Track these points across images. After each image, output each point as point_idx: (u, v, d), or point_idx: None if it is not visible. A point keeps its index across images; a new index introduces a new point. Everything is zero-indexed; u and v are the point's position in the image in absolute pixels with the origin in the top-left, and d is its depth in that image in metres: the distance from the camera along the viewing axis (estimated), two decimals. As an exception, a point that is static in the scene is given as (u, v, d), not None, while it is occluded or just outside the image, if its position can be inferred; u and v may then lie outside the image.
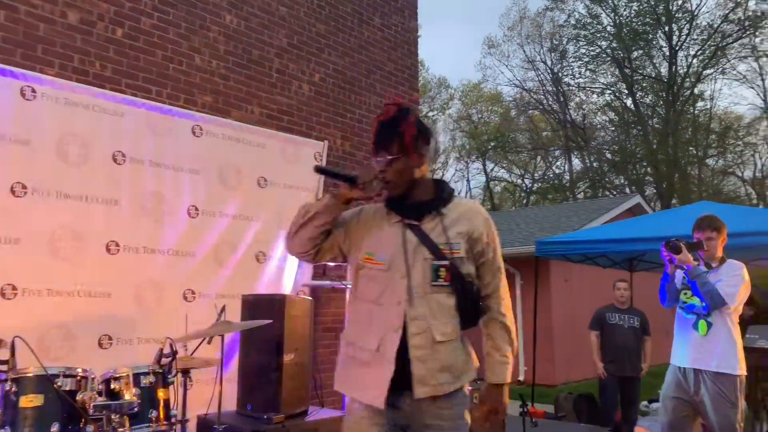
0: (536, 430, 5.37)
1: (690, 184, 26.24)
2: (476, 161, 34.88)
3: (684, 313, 4.07)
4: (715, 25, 25.42)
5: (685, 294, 4.07)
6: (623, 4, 27.05)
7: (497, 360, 2.29)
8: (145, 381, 3.04)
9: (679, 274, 4.09)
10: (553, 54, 30.42)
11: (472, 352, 2.33)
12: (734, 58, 26.20)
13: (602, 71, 28.86)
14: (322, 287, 5.65)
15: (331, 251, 2.33)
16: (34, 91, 3.96)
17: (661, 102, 27.03)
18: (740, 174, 28.58)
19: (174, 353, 3.24)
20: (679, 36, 26.28)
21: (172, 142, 4.59)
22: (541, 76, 31.03)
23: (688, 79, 26.35)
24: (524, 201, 33.23)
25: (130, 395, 2.92)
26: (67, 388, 2.77)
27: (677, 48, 26.19)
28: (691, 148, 26.46)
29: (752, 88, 27.96)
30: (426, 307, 2.16)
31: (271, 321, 3.77)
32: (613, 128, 29.25)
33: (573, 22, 28.69)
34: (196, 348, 3.70)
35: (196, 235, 4.65)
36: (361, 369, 2.22)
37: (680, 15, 26.26)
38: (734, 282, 3.87)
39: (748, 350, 4.26)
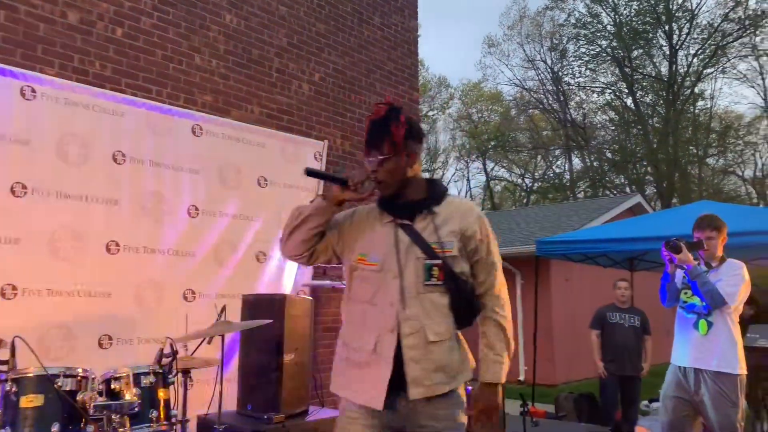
0: (537, 430, 5.36)
1: (690, 184, 26.23)
2: (476, 161, 34.92)
3: (684, 312, 4.07)
4: (716, 24, 25.42)
5: (686, 293, 4.07)
6: (623, 3, 27.06)
7: (491, 359, 2.26)
8: (145, 381, 3.04)
9: (679, 274, 4.09)
10: (553, 53, 30.44)
11: (467, 352, 2.31)
12: (734, 57, 26.21)
13: (602, 70, 28.87)
14: (322, 287, 5.64)
15: (325, 253, 2.32)
16: (34, 90, 3.96)
17: (662, 101, 27.01)
18: (740, 173, 28.60)
19: (174, 353, 3.23)
20: (680, 35, 26.28)
21: (172, 142, 4.59)
22: (541, 75, 31.06)
23: (688, 78, 26.34)
24: (524, 200, 33.23)
25: (130, 395, 2.92)
26: (68, 388, 2.77)
27: (677, 47, 26.18)
28: (691, 148, 26.45)
29: (752, 87, 28.05)
30: (419, 306, 2.15)
31: (271, 321, 3.76)
32: (613, 127, 29.25)
33: (573, 21, 28.71)
34: (197, 348, 3.70)
35: (196, 235, 4.65)
36: (357, 370, 2.20)
37: (680, 14, 26.25)
38: (734, 281, 3.87)
39: (748, 349, 4.26)
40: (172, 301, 4.45)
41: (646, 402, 8.02)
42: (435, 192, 2.30)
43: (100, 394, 2.93)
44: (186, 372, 3.49)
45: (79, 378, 2.83)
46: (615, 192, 26.87)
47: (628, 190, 26.14)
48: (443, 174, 35.84)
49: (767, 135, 27.55)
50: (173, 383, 3.23)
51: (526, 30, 31.37)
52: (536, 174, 34.05)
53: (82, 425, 2.76)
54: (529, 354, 11.30)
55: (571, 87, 30.19)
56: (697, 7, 25.79)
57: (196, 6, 5.31)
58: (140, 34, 4.91)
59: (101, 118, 4.25)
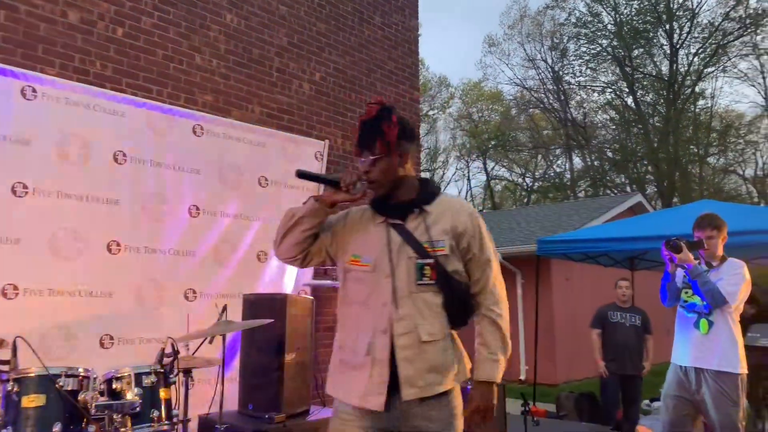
0: (538, 429, 5.37)
1: (691, 183, 26.21)
2: (477, 160, 34.89)
3: (685, 311, 4.07)
4: (716, 23, 25.37)
5: (686, 293, 4.07)
6: (624, 2, 27.01)
7: (485, 357, 2.22)
8: (146, 381, 3.04)
9: (679, 273, 4.09)
10: (553, 52, 30.42)
11: (463, 353, 2.28)
12: (735, 56, 26.17)
13: (603, 70, 28.82)
14: (323, 286, 5.64)
15: (318, 255, 2.32)
16: (34, 91, 3.96)
17: (662, 100, 26.98)
18: (741, 172, 28.58)
19: (175, 353, 3.24)
20: (680, 34, 26.24)
21: (172, 142, 4.59)
22: (542, 74, 31.03)
23: (689, 78, 26.31)
24: (525, 200, 33.21)
25: (131, 395, 2.92)
26: (69, 388, 2.77)
27: (678, 46, 26.15)
28: (692, 147, 26.41)
29: (753, 86, 28.02)
30: (412, 306, 2.13)
31: (272, 320, 3.76)
32: (613, 127, 29.22)
33: (573, 20, 28.67)
34: (198, 347, 3.69)
35: (197, 235, 4.65)
36: (352, 372, 2.19)
37: (681, 13, 26.21)
38: (735, 281, 3.87)
39: (749, 349, 4.26)
40: (174, 300, 4.45)
41: (647, 401, 8.03)
42: (426, 191, 2.28)
43: (102, 393, 2.94)
44: (187, 372, 3.48)
45: (80, 378, 2.83)
46: (615, 191, 26.86)
47: (628, 189, 26.12)
48: (444, 173, 35.89)
49: (768, 134, 27.56)
50: (174, 383, 3.23)
51: (526, 29, 31.38)
52: (537, 173, 34.05)
53: (83, 425, 2.76)
54: (530, 353, 11.31)
55: (571, 86, 30.19)
56: (697, 6, 25.78)
57: (196, 5, 5.31)
58: (141, 33, 4.91)
59: (102, 118, 4.25)
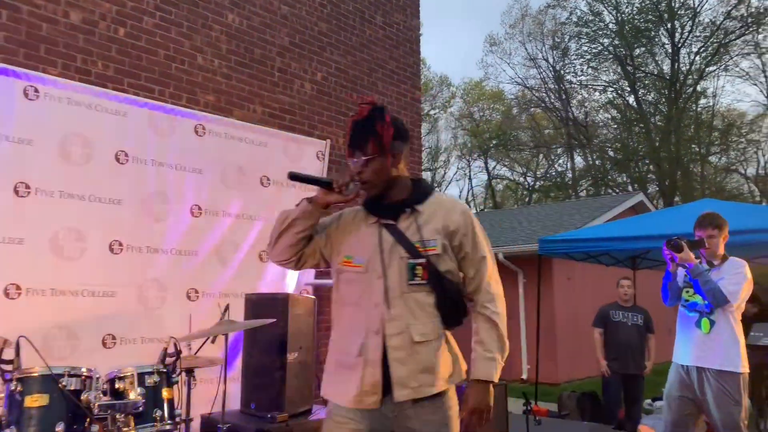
0: (540, 429, 5.36)
1: (693, 182, 26.18)
2: (478, 159, 34.87)
3: (686, 311, 4.07)
4: (718, 22, 25.35)
5: (687, 292, 4.07)
6: (625, 1, 26.99)
7: (481, 355, 2.17)
8: (149, 380, 3.05)
9: (681, 273, 4.08)
10: (555, 51, 30.40)
11: (458, 354, 2.25)
12: (737, 55, 26.12)
13: (604, 69, 28.80)
14: (325, 286, 5.64)
15: (313, 257, 2.30)
16: (37, 91, 3.96)
17: (664, 99, 26.96)
18: (743, 171, 28.55)
19: (178, 352, 3.24)
20: (682, 33, 26.22)
21: (174, 142, 4.60)
22: (543, 73, 31.03)
23: (690, 77, 26.28)
24: (526, 199, 33.19)
25: (134, 395, 2.93)
26: (72, 388, 2.77)
27: (680, 45, 26.13)
28: (693, 146, 26.37)
29: (755, 84, 27.97)
30: (404, 306, 2.11)
31: (274, 320, 3.77)
32: (615, 126, 29.20)
33: (575, 19, 28.64)
34: (200, 347, 3.70)
35: (199, 235, 4.66)
36: (345, 373, 2.17)
37: (682, 12, 26.18)
38: (737, 280, 3.87)
39: (752, 348, 4.26)
40: (176, 300, 4.46)
41: (649, 401, 8.02)
42: (419, 191, 2.26)
43: (105, 393, 2.94)
44: (190, 371, 3.49)
45: (83, 377, 2.84)
46: (617, 190, 26.85)
47: (630, 188, 26.10)
48: (445, 173, 35.89)
49: (770, 133, 27.51)
50: (177, 382, 3.24)
51: (527, 28, 31.37)
52: (538, 173, 34.02)
53: (86, 424, 2.77)
54: (531, 352, 11.30)
55: (573, 85, 30.18)
56: (699, 4, 25.75)
57: (198, 5, 5.31)
58: (143, 33, 4.91)
59: (104, 118, 4.26)
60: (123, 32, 4.79)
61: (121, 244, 4.24)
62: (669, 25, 26.31)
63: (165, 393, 3.11)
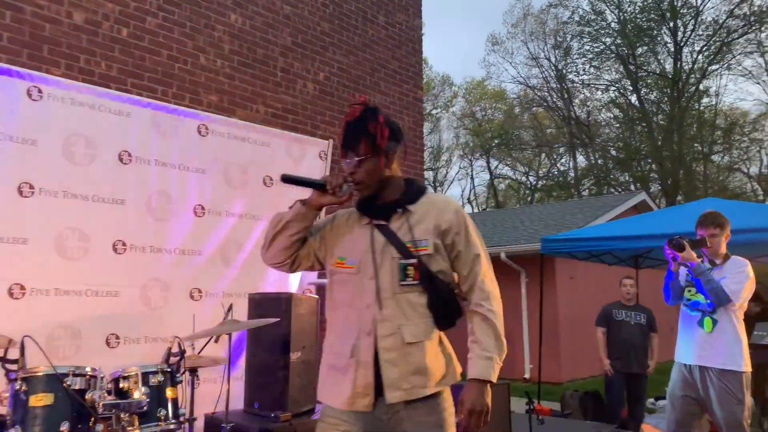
0: (542, 428, 5.36)
1: (695, 181, 26.16)
2: (480, 159, 34.90)
3: (688, 310, 4.07)
4: (721, 21, 25.33)
5: (690, 291, 4.07)
6: (627, 0, 27.00)
7: (477, 355, 2.11)
8: (153, 380, 3.05)
9: (683, 272, 4.08)
10: (557, 51, 30.42)
11: (452, 355, 2.22)
12: (740, 54, 26.08)
13: (606, 68, 28.80)
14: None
15: (307, 259, 2.29)
16: (40, 91, 3.97)
17: (666, 98, 26.93)
18: (746, 170, 28.50)
19: (182, 352, 3.25)
20: (684, 32, 26.19)
21: (177, 142, 4.60)
22: (545, 73, 31.04)
23: (693, 75, 26.24)
24: (529, 198, 33.19)
25: (139, 394, 2.94)
26: (77, 387, 2.78)
27: (682, 44, 26.10)
28: (696, 145, 26.35)
29: (758, 83, 27.88)
30: (396, 307, 2.09)
31: (278, 319, 3.78)
32: (617, 125, 29.18)
33: (577, 18, 28.65)
34: (204, 347, 3.71)
35: (203, 234, 4.66)
36: (338, 375, 2.15)
37: (685, 11, 26.16)
38: (739, 279, 3.87)
39: (754, 347, 4.26)
40: (179, 300, 4.46)
41: (652, 400, 8.02)
42: (411, 191, 2.24)
43: (109, 392, 2.95)
44: (193, 371, 3.51)
45: (88, 377, 2.84)
46: (619, 189, 26.84)
47: (632, 187, 26.09)
48: (447, 172, 35.91)
49: (772, 132, 27.46)
50: (181, 382, 3.24)
51: (529, 28, 31.39)
52: (540, 172, 34.02)
53: (91, 424, 2.77)
54: (534, 352, 11.31)
55: (575, 84, 30.18)
56: (701, 3, 25.73)
57: (200, 6, 5.32)
58: (145, 34, 4.93)
59: (107, 118, 4.26)
60: (126, 32, 4.81)
61: (124, 244, 4.25)
62: (671, 24, 26.28)
63: (169, 392, 3.12)
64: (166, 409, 3.06)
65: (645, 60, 27.59)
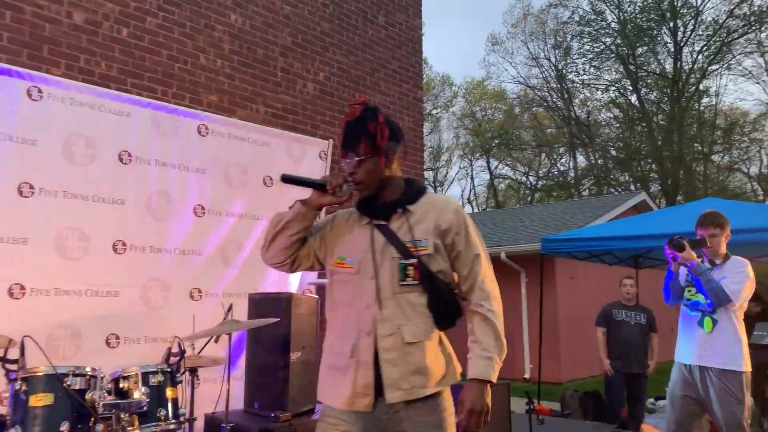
0: (543, 428, 5.36)
1: (695, 181, 26.16)
2: (480, 159, 34.90)
3: (688, 310, 4.07)
4: (721, 21, 25.33)
5: (690, 291, 4.07)
6: (627, 0, 27.00)
7: (477, 355, 2.10)
8: (153, 380, 3.05)
9: (683, 272, 4.08)
10: (557, 51, 30.42)
11: (452, 355, 2.21)
12: (740, 54, 26.09)
13: (606, 68, 28.80)
14: (328, 285, 5.65)
15: (307, 259, 2.28)
16: (40, 91, 3.97)
17: (666, 98, 26.93)
18: (746, 170, 28.50)
19: (182, 352, 3.25)
20: (684, 32, 26.19)
21: (177, 142, 4.60)
22: (545, 73, 31.04)
23: (693, 75, 26.24)
24: (529, 198, 33.20)
25: (139, 394, 2.94)
26: (77, 387, 2.78)
27: (682, 44, 26.10)
28: (696, 145, 26.35)
29: (758, 83, 27.89)
30: (396, 307, 2.09)
31: (278, 319, 3.78)
32: (617, 125, 29.18)
33: (577, 18, 28.66)
34: (204, 347, 3.71)
35: (203, 234, 4.66)
36: (338, 375, 2.15)
37: (685, 11, 26.16)
38: (739, 279, 3.87)
39: (754, 347, 4.26)
40: (179, 300, 4.46)
41: (652, 400, 8.02)
42: (411, 191, 2.23)
43: (109, 392, 2.95)
44: (193, 371, 3.51)
45: (88, 377, 2.85)
46: (620, 189, 26.84)
47: (632, 187, 26.09)
48: (447, 172, 35.91)
49: (773, 132, 27.45)
50: (181, 382, 3.24)
51: (529, 28, 31.40)
52: (540, 172, 34.03)
53: (91, 424, 2.77)
54: (534, 352, 11.31)
55: (575, 84, 30.19)
56: (701, 3, 25.73)
57: (200, 6, 5.32)
58: (145, 34, 4.93)
59: (107, 118, 4.26)
60: (126, 33, 4.81)
61: (124, 244, 4.25)
62: (671, 24, 26.28)
63: (169, 392, 3.12)
64: (166, 409, 3.06)
65: (645, 60, 27.60)
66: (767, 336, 5.72)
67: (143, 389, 2.98)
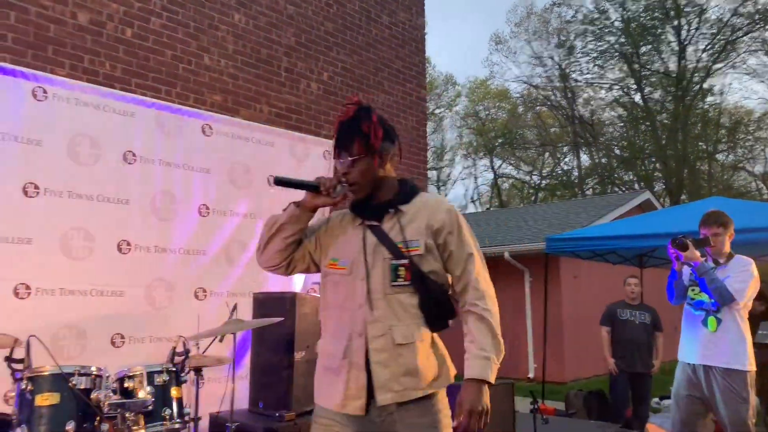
0: (547, 428, 5.35)
1: (700, 180, 26.10)
2: (484, 158, 34.85)
3: (692, 309, 4.06)
4: (725, 19, 25.27)
5: (693, 290, 4.06)
6: (631, -2, 26.95)
7: (474, 354, 2.06)
8: (158, 379, 3.06)
9: (686, 271, 4.08)
10: (560, 50, 30.35)
11: (446, 357, 2.18)
12: (744, 52, 26.03)
13: (610, 67, 28.74)
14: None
15: (303, 261, 2.27)
16: (45, 91, 3.98)
17: (670, 97, 26.88)
18: (751, 169, 28.42)
19: (187, 352, 3.26)
20: (688, 30, 26.15)
21: (182, 142, 4.61)
22: (549, 72, 30.98)
23: (697, 74, 26.19)
24: (532, 198, 33.15)
25: (144, 393, 2.94)
26: (82, 387, 2.79)
27: (686, 42, 26.06)
28: (700, 144, 26.31)
29: (763, 82, 27.90)
30: (387, 308, 2.06)
31: (282, 319, 3.78)
32: (621, 124, 29.14)
33: (580, 17, 28.62)
34: (208, 346, 3.72)
35: (207, 234, 4.67)
36: (331, 376, 2.13)
37: (689, 9, 26.11)
38: (743, 278, 3.86)
39: (759, 346, 4.25)
40: (184, 299, 4.47)
41: (656, 399, 8.00)
42: (404, 191, 2.21)
43: (114, 392, 2.95)
44: (198, 370, 3.51)
45: (93, 376, 2.85)
46: (624, 189, 26.80)
47: (636, 186, 26.05)
48: (450, 172, 35.89)
49: (778, 130, 27.37)
50: (186, 381, 3.25)
51: (533, 27, 31.34)
52: (544, 171, 33.97)
53: (96, 423, 2.78)
54: (538, 351, 11.31)
55: (578, 83, 30.13)
56: (706, 1, 25.67)
57: (204, 6, 5.33)
58: (150, 34, 4.94)
59: (112, 119, 4.27)
60: (130, 33, 4.82)
61: (129, 244, 4.26)
62: (675, 23, 26.23)
63: (174, 392, 3.12)
64: (171, 409, 3.07)
65: (649, 59, 27.55)
66: (772, 335, 5.70)
67: (148, 389, 2.98)
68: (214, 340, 3.65)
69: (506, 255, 11.57)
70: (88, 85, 4.31)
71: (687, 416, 3.99)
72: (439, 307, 2.14)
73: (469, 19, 57.40)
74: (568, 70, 30.06)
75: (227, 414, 3.54)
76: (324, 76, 6.27)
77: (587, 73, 29.48)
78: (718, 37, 25.53)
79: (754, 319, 4.48)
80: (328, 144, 5.71)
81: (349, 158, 2.12)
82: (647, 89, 27.70)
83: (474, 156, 35.29)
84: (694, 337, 3.99)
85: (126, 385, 2.97)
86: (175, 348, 3.25)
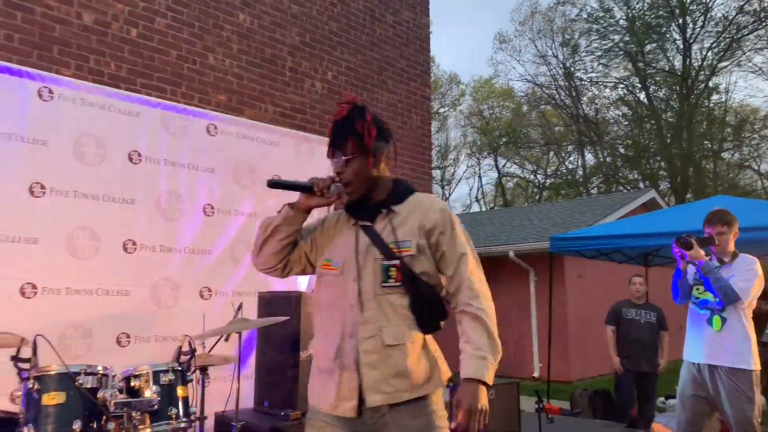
0: (552, 427, 5.35)
1: (705, 179, 26.00)
2: (488, 157, 34.83)
3: (697, 308, 4.05)
4: (730, 17, 25.15)
5: (698, 290, 4.05)
6: (636, -3, 26.86)
7: (469, 354, 2.01)
8: (164, 379, 3.06)
9: (691, 270, 4.07)
10: (565, 48, 30.29)
11: (437, 358, 2.15)
12: (750, 50, 25.88)
13: (615, 65, 28.65)
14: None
15: (299, 263, 2.26)
16: (51, 92, 4.00)
17: (675, 95, 26.78)
18: (756, 167, 28.31)
19: (192, 351, 3.26)
20: (693, 28, 26.04)
21: (187, 141, 4.62)
22: (553, 70, 30.91)
23: (702, 72, 26.08)
24: (537, 197, 33.10)
25: (150, 393, 2.95)
26: (89, 386, 2.79)
27: (691, 41, 25.95)
28: (705, 142, 26.20)
29: (768, 80, 27.69)
30: (377, 309, 2.05)
31: (287, 318, 3.79)
32: (626, 122, 29.05)
33: (585, 16, 28.53)
34: (214, 345, 3.73)
35: (212, 233, 4.68)
36: (324, 378, 2.12)
37: (694, 7, 26.00)
38: (748, 277, 3.85)
39: (764, 345, 4.24)
40: (189, 299, 4.49)
41: (662, 398, 7.99)
42: (398, 191, 2.20)
43: (120, 391, 2.96)
44: (204, 369, 3.52)
45: (99, 376, 2.86)
46: (628, 187, 26.72)
47: (641, 185, 25.98)
48: (455, 171, 35.87)
49: (783, 129, 27.26)
50: (191, 381, 3.25)
51: (537, 25, 31.27)
52: (549, 170, 33.91)
53: (102, 422, 2.79)
54: (543, 351, 11.29)
55: (583, 82, 30.05)
56: (711, -1, 25.56)
57: (209, 6, 5.34)
58: (155, 34, 4.95)
59: (117, 118, 4.29)
60: (135, 33, 4.83)
61: (134, 244, 4.27)
62: (680, 21, 26.13)
63: (180, 391, 3.13)
64: (177, 408, 3.07)
65: (654, 57, 27.45)
66: (777, 334, 5.69)
67: (154, 388, 2.99)
68: (220, 339, 3.66)
69: (511, 254, 11.55)
70: (94, 86, 4.32)
71: (692, 416, 3.98)
72: (431, 309, 2.11)
73: (474, 19, 57.36)
74: (572, 69, 30.02)
75: (233, 413, 3.55)
76: (328, 76, 6.28)
77: (592, 72, 29.44)
78: (723, 35, 25.43)
79: (760, 319, 4.46)
80: (333, 143, 5.72)
81: (343, 158, 2.11)
82: (652, 88, 27.63)
83: (478, 155, 35.29)
84: (699, 336, 3.98)
85: (132, 384, 2.98)
86: (180, 347, 3.25)
